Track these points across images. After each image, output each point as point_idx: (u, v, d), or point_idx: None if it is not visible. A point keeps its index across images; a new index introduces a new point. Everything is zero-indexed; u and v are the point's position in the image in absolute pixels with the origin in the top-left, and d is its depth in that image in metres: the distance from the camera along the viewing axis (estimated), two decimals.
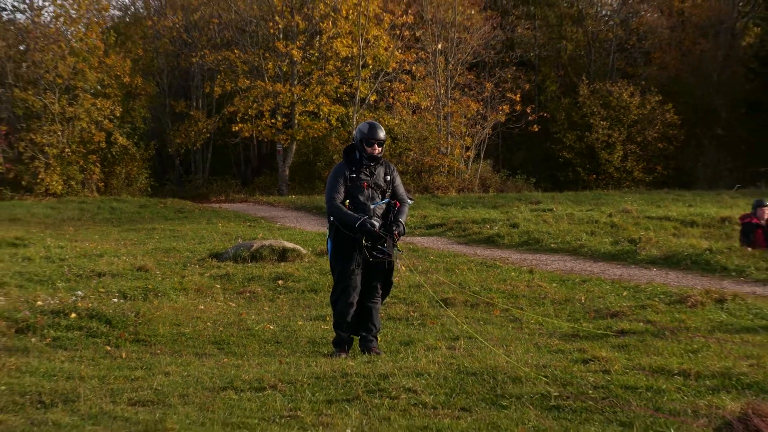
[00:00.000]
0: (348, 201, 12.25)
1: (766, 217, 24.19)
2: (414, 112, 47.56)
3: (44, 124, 43.94)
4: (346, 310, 12.43)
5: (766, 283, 17.45)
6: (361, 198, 12.26)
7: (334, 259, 12.67)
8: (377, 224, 12.09)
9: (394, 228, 12.40)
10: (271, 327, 14.32)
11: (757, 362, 10.74)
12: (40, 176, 43.55)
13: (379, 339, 12.82)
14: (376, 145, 12.32)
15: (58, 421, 9.03)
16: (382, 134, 12.50)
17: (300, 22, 46.10)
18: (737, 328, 13.25)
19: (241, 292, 17.15)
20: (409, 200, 13.21)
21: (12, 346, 13.12)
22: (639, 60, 54.62)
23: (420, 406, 9.29)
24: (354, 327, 12.61)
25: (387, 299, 14.48)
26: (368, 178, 12.37)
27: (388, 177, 12.61)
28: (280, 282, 17.85)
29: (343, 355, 12.32)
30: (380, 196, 12.48)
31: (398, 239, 12.52)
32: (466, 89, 47.78)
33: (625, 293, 16.31)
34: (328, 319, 14.68)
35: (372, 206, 12.29)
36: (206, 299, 16.31)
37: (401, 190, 12.79)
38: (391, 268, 12.93)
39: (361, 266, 12.40)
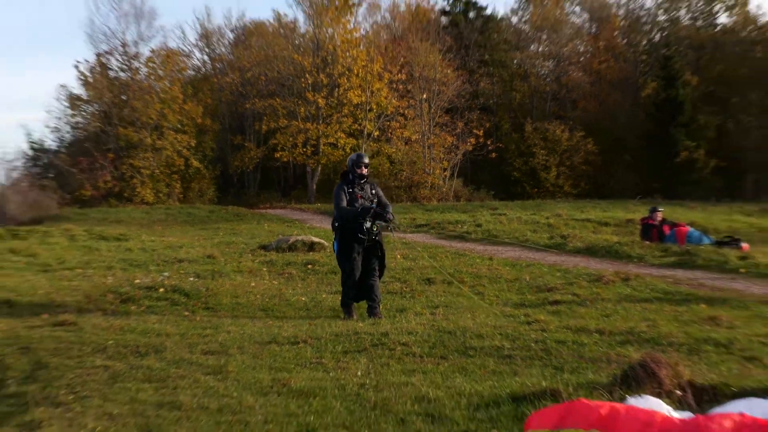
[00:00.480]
0: (361, 219, 12.51)
1: (658, 219, 24.23)
2: (406, 143, 47.51)
3: (140, 153, 44.11)
4: (352, 286, 12.80)
5: (659, 267, 17.48)
6: (357, 205, 12.63)
7: (340, 255, 12.93)
8: (372, 207, 12.67)
9: (386, 213, 12.74)
10: (303, 299, 14.38)
11: (653, 323, 10.83)
12: (137, 190, 43.74)
13: (380, 307, 12.90)
14: (363, 167, 12.86)
15: (151, 366, 9.12)
16: (366, 160, 13.16)
17: (324, 78, 46.08)
18: (638, 299, 13.29)
19: (281, 273, 17.20)
20: (388, 215, 13.05)
21: (117, 312, 13.23)
22: (568, 106, 54.56)
23: (410, 355, 9.40)
24: (357, 296, 12.98)
25: (385, 278, 14.66)
26: (361, 192, 12.80)
27: (373, 191, 12.97)
28: (309, 266, 17.90)
29: (354, 317, 12.55)
30: (377, 209, 12.75)
31: (391, 218, 12.87)
32: (443, 127, 47.74)
33: (557, 274, 16.35)
34: (310, 285, 14.77)
35: (368, 220, 12.60)
36: (256, 278, 16.38)
37: (384, 199, 13.18)
38: (384, 254, 13.20)
39: (361, 254, 12.72)
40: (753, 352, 9.02)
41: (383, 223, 12.77)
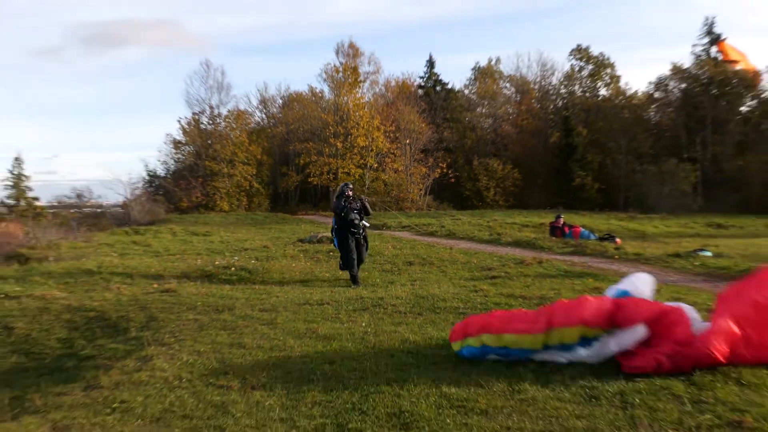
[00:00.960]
0: (343, 214, 13.10)
1: (561, 223, 24.23)
2: (395, 172, 47.43)
3: (219, 178, 44.03)
4: (353, 264, 13.05)
5: (561, 254, 17.44)
6: (350, 215, 13.02)
7: (340, 246, 13.39)
8: (355, 218, 13.19)
9: (364, 222, 13.41)
10: (327, 274, 14.33)
11: (557, 291, 10.77)
12: (217, 202, 43.68)
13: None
14: (349, 191, 13.48)
15: (225, 319, 9.09)
16: (351, 186, 13.76)
17: (341, 129, 46.05)
18: (548, 276, 13.25)
19: (312, 257, 17.12)
20: (371, 211, 14.51)
21: (203, 283, 13.18)
22: (501, 148, 54.39)
23: (398, 312, 9.35)
24: (354, 272, 13.11)
25: (379, 260, 14.70)
26: (352, 203, 13.26)
27: (359, 204, 13.36)
28: (330, 253, 17.83)
29: (359, 286, 12.58)
30: (358, 210, 13.22)
31: (364, 228, 13.55)
32: (419, 161, 47.70)
33: (495, 259, 16.30)
34: (332, 266, 14.75)
35: (354, 215, 13.09)
36: (295, 261, 16.31)
37: (368, 207, 13.62)
38: (367, 243, 13.92)
39: (353, 242, 13.19)
40: None
41: (365, 223, 13.50)
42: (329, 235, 21.86)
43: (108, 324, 9.64)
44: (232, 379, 6.21)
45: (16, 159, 48.77)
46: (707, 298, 10.31)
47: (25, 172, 48.84)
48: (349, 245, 13.12)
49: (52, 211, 43.77)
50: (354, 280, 13.06)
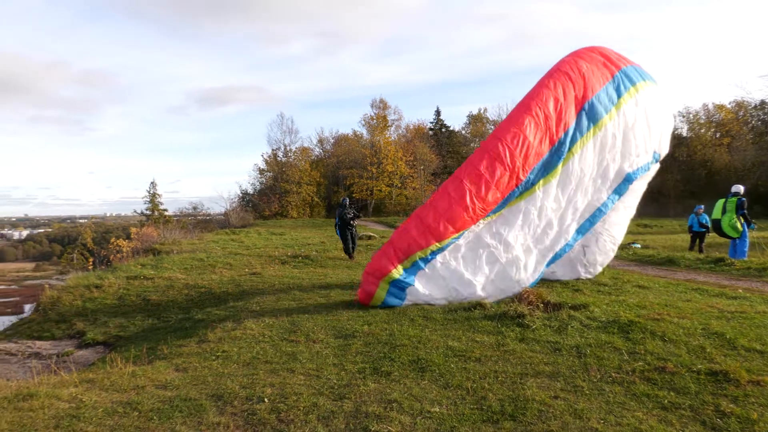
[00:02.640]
0: (343, 216, 14.26)
1: None
2: (413, 189, 47.27)
3: (291, 194, 44.15)
4: (348, 246, 14.53)
5: None
6: (346, 216, 14.26)
7: (341, 235, 14.63)
8: (349, 217, 14.28)
9: (353, 220, 14.43)
10: (364, 261, 14.25)
11: None
12: (289, 212, 43.78)
13: (354, 253, 14.79)
14: (348, 203, 14.70)
15: (294, 293, 9.06)
16: (347, 201, 14.81)
17: (375, 159, 46.02)
18: None
19: (356, 250, 17.11)
20: (360, 215, 16.10)
21: (280, 267, 13.18)
22: None
23: None
24: (348, 250, 14.53)
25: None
26: (347, 210, 14.38)
27: (353, 211, 14.50)
28: (368, 245, 17.78)
29: (353, 260, 14.18)
30: (351, 216, 14.31)
31: (354, 223, 14.60)
32: (430, 182, 47.57)
33: None
34: (369, 256, 14.69)
35: (349, 217, 14.22)
36: (344, 252, 16.29)
37: (358, 214, 14.87)
38: (356, 236, 15.08)
39: (347, 234, 14.45)
40: (578, 287, 8.71)
41: (352, 222, 14.49)
42: (369, 233, 21.91)
43: (214, 296, 9.71)
44: (300, 335, 6.20)
45: (152, 183, 49.87)
46: (638, 277, 10.10)
47: (158, 191, 49.77)
48: (345, 235, 14.44)
49: (176, 218, 44.44)
50: (349, 256, 14.45)
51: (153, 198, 49.26)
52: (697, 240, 15.96)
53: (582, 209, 8.05)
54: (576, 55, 8.29)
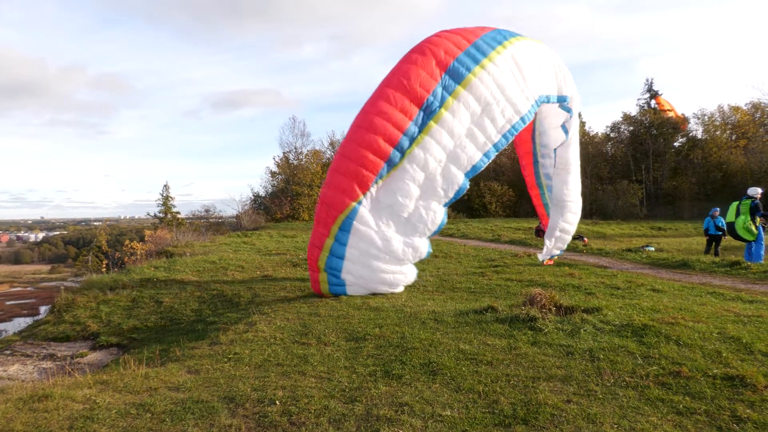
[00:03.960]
0: None
1: (543, 227, 23.90)
2: None
3: (302, 197, 44.23)
4: None
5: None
6: None
7: None
8: None
9: None
10: None
11: (542, 276, 10.57)
12: (301, 214, 43.86)
13: None
14: None
15: (306, 296, 9.07)
16: None
17: None
18: (535, 264, 13.02)
19: None
20: None
21: (291, 270, 13.21)
22: (500, 174, 53.65)
23: (427, 291, 9.30)
24: None
25: None
26: None
27: None
28: None
29: None
30: None
31: None
32: None
33: (496, 253, 16.10)
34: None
35: None
36: None
37: None
38: None
39: None
40: (591, 290, 8.79)
41: None
42: None
43: (226, 299, 9.76)
44: (311, 338, 6.21)
45: (165, 185, 50.16)
46: (652, 281, 10.00)
47: (171, 194, 50.17)
48: None
49: (188, 220, 44.76)
50: None
51: (166, 201, 49.65)
52: (713, 243, 15.78)
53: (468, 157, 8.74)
54: (436, 35, 9.03)
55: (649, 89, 52.92)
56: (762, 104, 47.95)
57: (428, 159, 8.37)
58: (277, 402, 4.26)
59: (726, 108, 49.81)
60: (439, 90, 8.29)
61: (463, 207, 50.30)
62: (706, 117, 49.73)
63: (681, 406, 3.99)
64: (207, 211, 45.63)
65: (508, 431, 3.70)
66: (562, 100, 10.27)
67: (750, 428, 3.64)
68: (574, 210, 12.02)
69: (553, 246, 12.16)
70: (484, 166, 8.98)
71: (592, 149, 51.98)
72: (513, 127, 8.87)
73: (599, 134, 54.54)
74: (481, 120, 8.66)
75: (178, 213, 49.66)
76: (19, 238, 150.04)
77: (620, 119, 51.62)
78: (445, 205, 8.91)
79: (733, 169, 44.46)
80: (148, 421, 4.02)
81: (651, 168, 47.85)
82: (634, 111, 51.87)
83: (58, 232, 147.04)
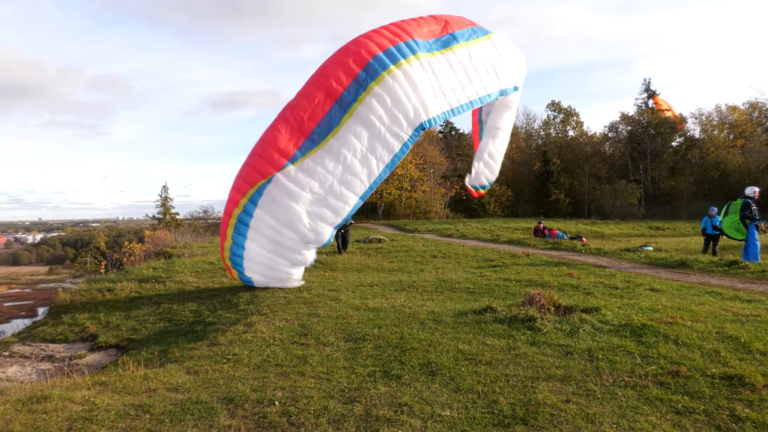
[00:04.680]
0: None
1: (541, 226, 23.91)
2: (423, 192, 47.13)
3: None
4: (339, 245, 16.68)
5: (543, 249, 17.13)
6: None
7: (335, 236, 15.69)
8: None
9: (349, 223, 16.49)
10: (374, 265, 14.26)
11: (540, 276, 10.56)
12: None
13: (346, 250, 16.87)
14: None
15: (305, 296, 9.08)
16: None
17: None
18: (533, 264, 13.02)
19: (365, 252, 17.05)
20: (352, 222, 17.80)
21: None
22: (499, 174, 53.64)
23: (426, 292, 9.26)
24: (340, 249, 16.66)
25: (411, 254, 14.63)
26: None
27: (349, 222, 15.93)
28: (378, 249, 17.78)
29: (340, 255, 15.99)
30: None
31: (351, 223, 17.12)
32: (440, 185, 47.49)
33: (495, 253, 16.09)
34: (379, 259, 14.65)
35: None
36: (354, 255, 16.23)
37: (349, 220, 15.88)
38: (348, 236, 17.28)
39: (340, 236, 16.57)
40: (590, 290, 8.79)
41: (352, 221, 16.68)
42: (378, 236, 21.92)
43: (224, 300, 9.74)
44: (310, 338, 6.21)
45: (164, 186, 50.23)
46: (650, 280, 10.01)
47: (170, 195, 50.08)
48: (337, 235, 16.09)
49: (187, 221, 44.62)
50: (339, 252, 16.45)
51: (165, 202, 49.58)
52: (711, 243, 15.79)
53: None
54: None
55: (647, 89, 53.11)
56: (759, 104, 48.07)
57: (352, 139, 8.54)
58: (276, 402, 4.25)
59: (723, 107, 50.02)
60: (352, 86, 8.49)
61: (461, 207, 50.43)
62: (703, 117, 49.92)
63: (680, 405, 4.00)
64: (205, 212, 45.54)
65: (508, 431, 3.71)
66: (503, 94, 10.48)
67: (749, 427, 3.65)
68: (503, 140, 12.68)
69: (482, 170, 12.50)
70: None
71: (590, 149, 52.20)
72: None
73: (597, 134, 54.83)
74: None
75: (176, 214, 49.57)
76: (17, 239, 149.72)
77: (618, 119, 51.86)
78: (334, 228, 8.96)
79: (731, 168, 44.58)
80: (147, 422, 4.01)
81: (649, 168, 47.98)
82: (632, 111, 52.12)
83: (56, 234, 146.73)
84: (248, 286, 10.41)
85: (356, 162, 8.47)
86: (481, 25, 10.27)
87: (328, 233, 8.73)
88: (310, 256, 9.18)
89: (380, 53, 8.46)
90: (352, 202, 8.65)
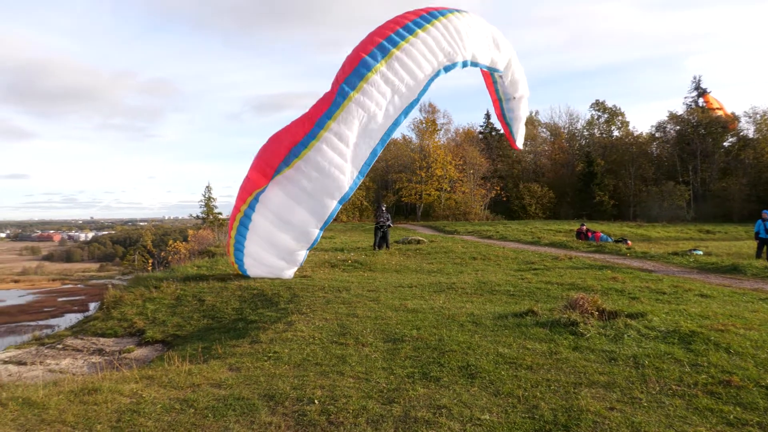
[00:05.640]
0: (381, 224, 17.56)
1: (584, 229, 23.36)
2: (463, 193, 46.70)
3: None
4: (376, 242, 17.71)
5: (585, 252, 16.72)
6: (381, 218, 17.60)
7: (374, 233, 17.85)
8: (383, 221, 17.51)
9: (388, 223, 17.67)
10: (413, 266, 14.23)
11: (583, 280, 10.34)
12: (339, 215, 44.08)
13: (389, 247, 17.89)
14: (383, 206, 18.14)
15: (344, 296, 9.13)
16: (384, 205, 18.30)
17: (423, 164, 45.86)
18: (576, 267, 12.74)
19: (404, 254, 17.00)
20: (389, 222, 17.97)
21: (329, 271, 13.30)
22: (539, 175, 52.81)
23: (465, 293, 9.20)
24: (379, 245, 17.59)
25: (450, 255, 14.53)
26: (381, 213, 17.73)
27: (387, 213, 17.79)
28: (417, 250, 17.71)
29: (376, 251, 16.96)
30: (385, 216, 17.58)
31: (389, 225, 17.80)
32: (480, 185, 47.01)
33: (536, 255, 15.81)
34: (418, 260, 14.58)
35: (383, 219, 17.51)
36: (393, 256, 16.20)
37: (389, 216, 17.83)
38: (388, 235, 17.96)
39: (379, 233, 17.66)
40: (635, 295, 8.57)
41: (387, 225, 17.59)
42: (417, 237, 21.87)
43: (265, 298, 9.91)
44: (349, 338, 6.25)
45: (207, 186, 51.20)
46: (700, 286, 9.65)
47: (213, 195, 51.23)
48: (376, 233, 17.74)
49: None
50: (375, 249, 17.35)
51: (208, 202, 50.70)
52: (765, 247, 15.11)
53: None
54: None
55: (697, 87, 51.39)
56: None
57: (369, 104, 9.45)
58: (315, 401, 4.30)
59: None
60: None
61: (501, 209, 49.85)
62: (758, 115, 47.85)
63: (731, 416, 3.84)
64: None
65: None
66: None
67: None
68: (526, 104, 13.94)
69: (520, 130, 14.19)
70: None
71: (636, 149, 50.78)
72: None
73: (644, 134, 53.36)
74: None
75: (219, 213, 50.64)
76: (70, 237, 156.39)
77: (666, 118, 50.38)
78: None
79: None
80: (191, 416, 4.12)
81: (699, 169, 46.35)
82: (680, 110, 50.59)
83: (106, 232, 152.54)
84: (288, 286, 10.58)
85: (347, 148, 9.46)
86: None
87: (314, 233, 9.99)
88: (300, 256, 10.82)
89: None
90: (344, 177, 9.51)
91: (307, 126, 9.16)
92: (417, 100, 9.64)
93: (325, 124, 9.02)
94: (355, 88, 9.01)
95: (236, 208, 10.16)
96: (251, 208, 9.79)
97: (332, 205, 9.51)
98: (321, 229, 9.86)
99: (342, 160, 9.23)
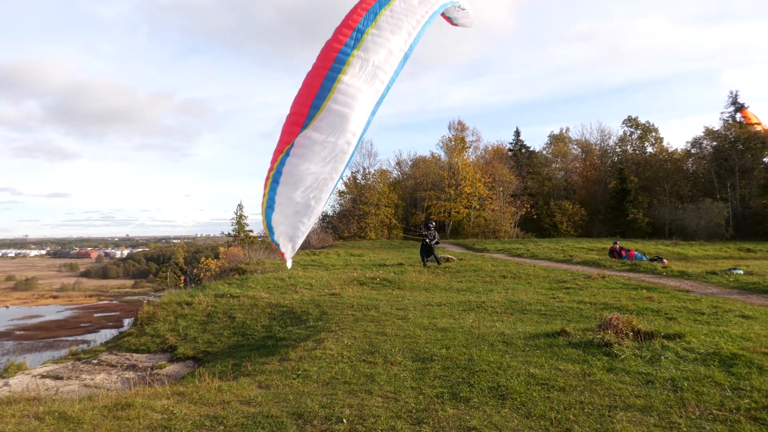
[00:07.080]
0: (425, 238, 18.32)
1: (617, 247, 22.87)
2: (492, 211, 46.36)
3: (369, 216, 44.58)
4: (423, 259, 18.43)
5: (619, 271, 16.35)
6: (426, 238, 18.26)
7: (420, 250, 18.82)
8: (429, 240, 18.18)
9: (434, 242, 18.26)
10: (442, 284, 14.13)
11: (617, 299, 10.10)
12: (368, 233, 44.17)
13: (439, 263, 18.73)
14: (429, 223, 18.89)
15: (372, 314, 9.12)
16: (432, 223, 19.01)
17: (453, 181, 45.76)
18: (610, 287, 12.45)
19: (433, 272, 16.92)
20: (438, 240, 18.84)
21: (358, 289, 13.28)
22: (571, 193, 52.06)
23: (496, 312, 9.08)
24: (424, 262, 18.29)
25: (480, 273, 14.37)
26: (426, 231, 18.52)
27: (433, 234, 18.30)
28: (447, 268, 17.59)
29: (426, 268, 17.54)
30: (431, 236, 18.09)
31: (435, 243, 18.37)
32: (510, 203, 46.59)
33: (568, 274, 15.52)
34: (447, 278, 14.45)
35: (429, 239, 18.12)
36: (421, 274, 16.15)
37: (437, 237, 18.55)
38: (432, 250, 18.44)
39: (425, 249, 18.35)
40: (672, 315, 8.31)
41: (433, 242, 18.22)
42: (446, 255, 21.73)
43: (294, 316, 9.96)
44: (378, 357, 6.21)
45: (239, 204, 52.28)
46: (741, 306, 9.31)
47: (245, 213, 52.07)
48: (422, 250, 18.68)
49: (260, 239, 46.24)
50: (423, 264, 18.16)
51: (239, 219, 51.56)
52: None
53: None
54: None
55: (734, 102, 50.18)
56: None
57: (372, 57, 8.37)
58: (344, 420, 4.27)
59: None
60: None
61: (532, 226, 49.28)
62: None
63: None
64: None
65: None
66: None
67: None
68: None
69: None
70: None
71: (671, 166, 49.71)
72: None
73: (679, 150, 52.27)
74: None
75: (250, 231, 51.41)
76: (106, 254, 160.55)
77: (702, 134, 49.24)
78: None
79: None
80: None
81: (737, 185, 45.06)
82: (717, 125, 49.43)
83: (141, 249, 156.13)
84: (317, 303, 10.60)
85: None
86: None
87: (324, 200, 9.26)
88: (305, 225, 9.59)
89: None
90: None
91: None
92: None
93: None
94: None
95: (269, 169, 9.81)
96: (282, 163, 9.18)
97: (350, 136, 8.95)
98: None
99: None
